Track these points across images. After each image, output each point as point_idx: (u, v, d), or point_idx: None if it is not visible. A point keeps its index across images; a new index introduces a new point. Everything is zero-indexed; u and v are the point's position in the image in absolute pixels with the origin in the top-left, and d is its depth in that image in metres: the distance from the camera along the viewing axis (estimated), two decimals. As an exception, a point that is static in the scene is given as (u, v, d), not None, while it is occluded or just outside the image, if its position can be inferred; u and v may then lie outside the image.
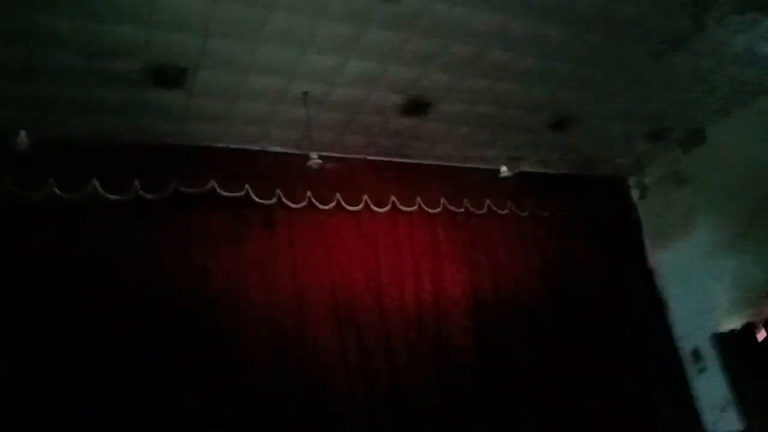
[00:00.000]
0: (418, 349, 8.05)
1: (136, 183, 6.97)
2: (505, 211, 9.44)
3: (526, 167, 9.29)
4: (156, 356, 6.49)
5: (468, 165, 9.35)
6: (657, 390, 9.30)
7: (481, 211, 9.25)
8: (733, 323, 8.54)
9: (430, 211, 8.83)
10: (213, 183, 7.27)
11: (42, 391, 5.90)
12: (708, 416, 9.09)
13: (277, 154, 7.90)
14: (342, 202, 8.18)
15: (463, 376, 8.14)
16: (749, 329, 7.69)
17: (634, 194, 10.54)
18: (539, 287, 9.29)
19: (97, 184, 6.81)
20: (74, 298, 6.38)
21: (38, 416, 5.81)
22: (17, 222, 6.40)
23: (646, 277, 10.45)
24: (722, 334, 7.91)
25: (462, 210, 9.07)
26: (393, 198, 8.51)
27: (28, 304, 6.19)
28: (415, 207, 8.68)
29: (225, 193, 7.33)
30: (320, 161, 6.97)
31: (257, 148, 7.85)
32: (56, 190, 6.62)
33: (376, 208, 8.39)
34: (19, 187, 6.40)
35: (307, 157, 7.15)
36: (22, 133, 6.05)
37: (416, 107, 7.78)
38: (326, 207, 8.10)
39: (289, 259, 7.75)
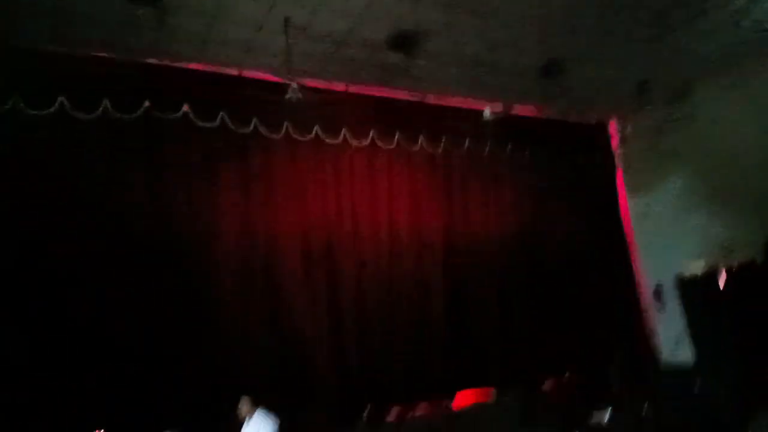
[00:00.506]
0: (390, 285, 8.21)
1: (106, 101, 6.69)
2: (485, 153, 9.39)
3: (509, 110, 9.15)
4: (120, 283, 6.47)
5: (451, 105, 9.17)
6: (621, 325, 9.79)
7: (460, 151, 9.19)
8: (695, 270, 8.92)
9: (410, 148, 8.73)
10: (186, 109, 7.02)
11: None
12: (665, 349, 9.79)
13: (255, 81, 7.62)
14: (320, 134, 8.01)
15: (432, 314, 8.37)
16: (709, 276, 8.16)
17: (615, 142, 10.57)
18: (513, 229, 9.44)
19: (64, 100, 6.51)
20: (39, 218, 6.25)
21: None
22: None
23: (617, 222, 10.72)
24: (684, 277, 8.46)
25: (440, 149, 8.98)
26: (372, 133, 8.37)
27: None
28: (394, 144, 8.56)
29: (200, 123, 7.12)
30: (300, 95, 6.73)
31: (235, 73, 7.54)
32: (22, 105, 6.35)
33: (354, 142, 8.26)
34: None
35: (286, 87, 6.92)
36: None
37: (404, 42, 7.47)
38: (304, 138, 7.93)
39: (262, 191, 7.66)
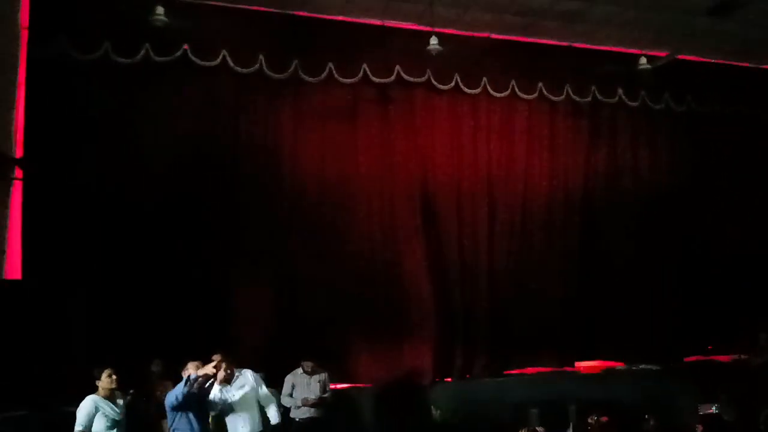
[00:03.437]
0: (522, 239, 8.11)
1: (261, 57, 7.12)
2: (637, 103, 8.65)
3: (671, 56, 8.28)
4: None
5: (603, 48, 8.51)
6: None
7: (610, 100, 8.54)
8: None
9: (552, 98, 8.30)
10: (330, 65, 7.29)
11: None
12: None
13: (397, 30, 7.63)
14: (460, 84, 7.88)
15: (564, 274, 8.18)
16: None
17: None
18: (664, 191, 8.69)
19: (226, 54, 7.02)
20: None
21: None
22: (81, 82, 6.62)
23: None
24: None
25: (588, 99, 8.42)
26: (513, 83, 8.06)
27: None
28: (536, 94, 8.18)
29: (342, 79, 7.36)
30: (440, 47, 6.64)
31: (378, 23, 7.60)
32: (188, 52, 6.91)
33: (494, 93, 8.03)
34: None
35: (428, 36, 6.88)
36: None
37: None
38: (443, 88, 7.86)
39: (401, 139, 7.80)
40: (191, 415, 4.47)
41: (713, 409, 6.33)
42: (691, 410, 6.47)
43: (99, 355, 5.17)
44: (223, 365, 4.72)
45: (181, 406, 4.42)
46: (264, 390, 5.04)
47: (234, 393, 4.84)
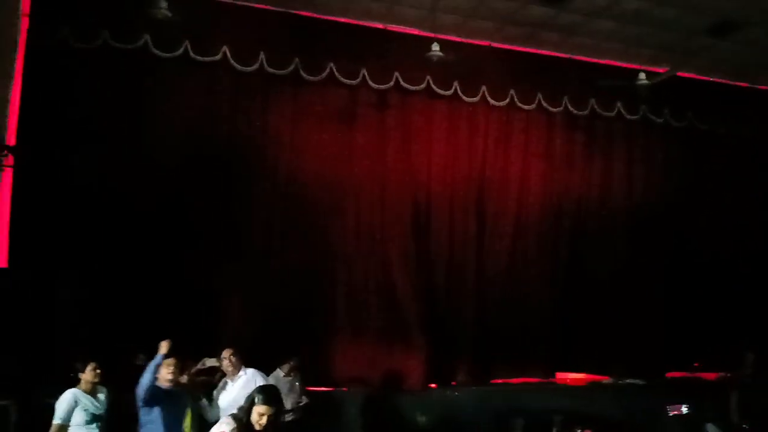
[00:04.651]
0: (513, 248, 8.12)
1: (262, 55, 7.10)
2: (636, 117, 8.67)
3: (670, 73, 8.31)
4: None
5: (603, 62, 8.54)
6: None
7: (608, 114, 8.57)
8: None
9: (551, 109, 8.31)
10: (331, 65, 7.29)
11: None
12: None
13: (398, 34, 7.63)
14: (459, 92, 7.88)
15: (552, 284, 8.20)
16: None
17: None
18: (656, 207, 8.71)
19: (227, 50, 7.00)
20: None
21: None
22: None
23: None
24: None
25: (586, 112, 8.45)
26: (512, 92, 8.07)
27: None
28: (535, 104, 8.19)
29: (342, 80, 7.35)
30: (441, 53, 6.65)
31: (380, 26, 7.61)
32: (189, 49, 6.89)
33: (493, 102, 8.04)
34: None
35: (429, 42, 6.88)
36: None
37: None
38: (442, 94, 7.85)
39: (397, 144, 7.79)
40: (162, 410, 4.30)
41: (683, 410, 6.40)
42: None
43: (83, 347, 5.12)
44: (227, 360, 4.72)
45: (149, 400, 4.28)
46: None
47: (236, 391, 4.76)
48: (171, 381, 4.37)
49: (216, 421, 3.49)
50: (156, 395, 4.30)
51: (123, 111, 6.67)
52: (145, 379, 4.28)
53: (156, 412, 4.31)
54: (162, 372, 4.35)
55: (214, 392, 4.93)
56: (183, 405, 4.59)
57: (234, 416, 3.17)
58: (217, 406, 4.81)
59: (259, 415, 3.06)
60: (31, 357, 5.62)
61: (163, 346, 4.37)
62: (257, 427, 3.06)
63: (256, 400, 3.11)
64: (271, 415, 3.06)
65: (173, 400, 4.43)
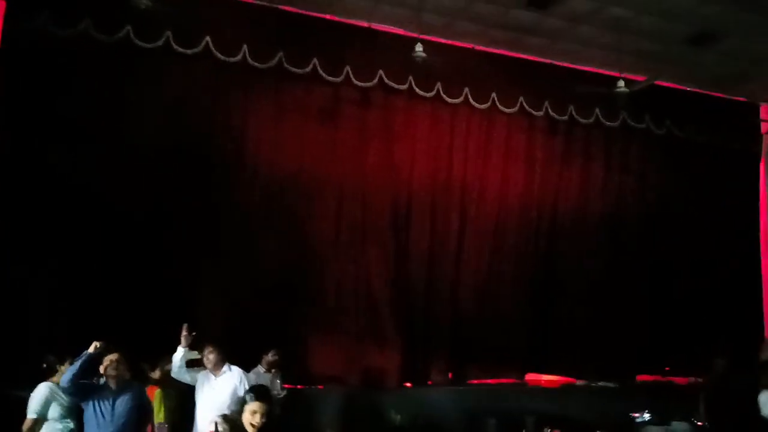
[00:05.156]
0: (491, 250, 8.20)
1: (245, 47, 7.04)
2: (615, 123, 8.81)
3: (648, 81, 8.47)
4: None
5: (584, 68, 8.66)
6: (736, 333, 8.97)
7: (587, 121, 8.69)
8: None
9: (533, 113, 8.40)
10: (315, 61, 7.24)
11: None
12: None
13: (383, 34, 7.63)
14: (441, 93, 7.92)
15: (528, 287, 8.28)
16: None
17: (765, 126, 9.51)
18: (633, 212, 8.93)
19: (209, 41, 6.92)
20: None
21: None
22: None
23: (752, 216, 9.75)
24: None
25: (565, 117, 8.55)
26: (494, 95, 8.13)
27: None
28: (516, 108, 8.27)
29: (326, 76, 7.33)
30: (424, 54, 6.66)
31: (364, 24, 7.59)
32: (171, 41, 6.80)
33: (475, 104, 8.09)
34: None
35: (412, 43, 6.89)
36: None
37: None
38: (424, 95, 7.87)
39: (380, 144, 7.80)
40: (94, 407, 4.14)
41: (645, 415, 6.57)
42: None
43: (58, 340, 5.04)
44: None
45: (75, 393, 4.18)
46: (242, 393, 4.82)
47: (218, 386, 4.80)
48: (111, 376, 4.23)
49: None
50: (84, 390, 4.18)
51: (102, 101, 6.54)
52: (66, 374, 4.16)
53: (90, 408, 4.17)
54: (102, 368, 4.23)
55: (198, 375, 4.94)
56: (126, 403, 4.25)
57: (226, 417, 3.30)
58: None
59: (251, 413, 3.19)
60: (4, 350, 5.51)
61: (93, 346, 4.21)
62: (250, 429, 3.16)
63: (247, 399, 3.25)
64: (263, 412, 3.18)
65: (105, 396, 4.21)
